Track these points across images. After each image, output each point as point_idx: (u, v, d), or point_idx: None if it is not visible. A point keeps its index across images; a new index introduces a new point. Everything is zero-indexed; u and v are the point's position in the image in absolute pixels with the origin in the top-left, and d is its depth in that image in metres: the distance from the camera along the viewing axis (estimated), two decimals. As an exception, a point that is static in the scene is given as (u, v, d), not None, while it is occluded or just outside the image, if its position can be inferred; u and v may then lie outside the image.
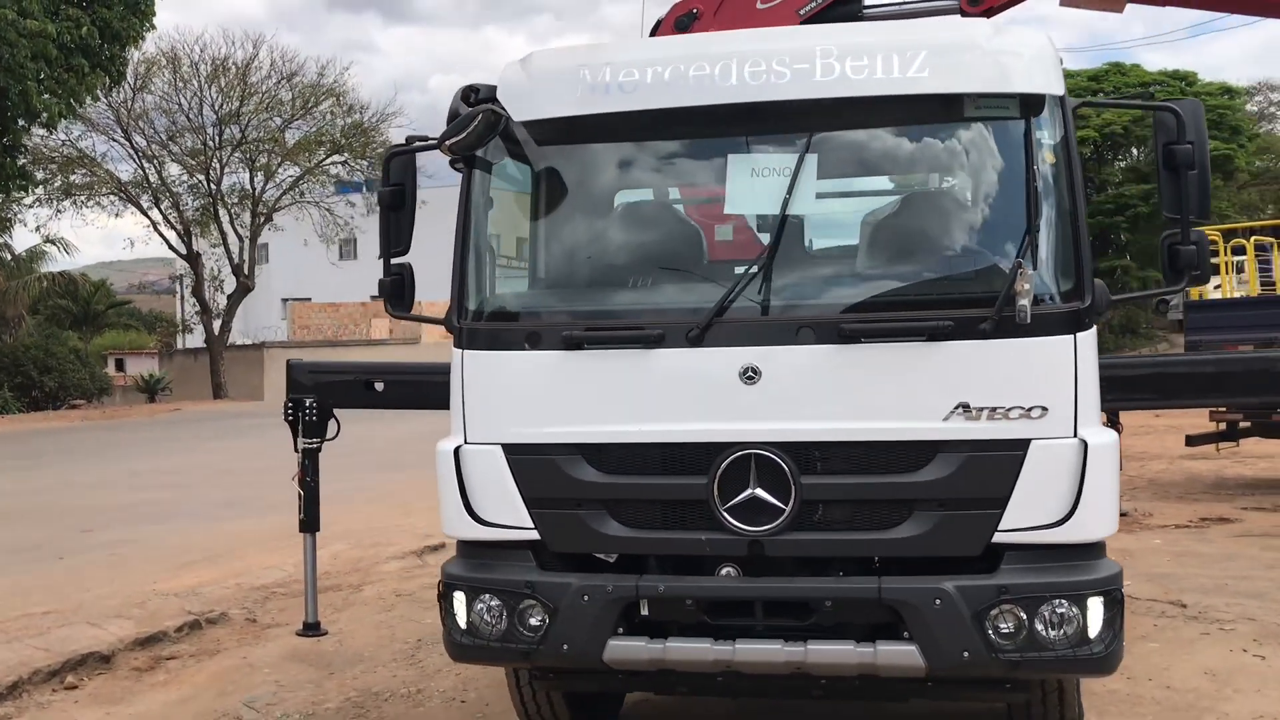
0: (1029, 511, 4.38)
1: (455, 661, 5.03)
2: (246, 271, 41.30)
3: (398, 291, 5.08)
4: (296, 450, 8.27)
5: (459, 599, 4.78)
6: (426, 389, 8.54)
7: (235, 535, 12.17)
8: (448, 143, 4.66)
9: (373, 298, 59.20)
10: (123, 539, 12.09)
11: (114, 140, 39.97)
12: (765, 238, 6.03)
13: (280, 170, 42.46)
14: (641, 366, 4.60)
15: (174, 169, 41.66)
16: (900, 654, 4.38)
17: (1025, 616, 4.33)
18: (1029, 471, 4.36)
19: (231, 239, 41.36)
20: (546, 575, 4.68)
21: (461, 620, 4.76)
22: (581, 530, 4.67)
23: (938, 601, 4.33)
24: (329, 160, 42.90)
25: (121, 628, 8.35)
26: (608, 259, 5.04)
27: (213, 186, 41.11)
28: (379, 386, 8.19)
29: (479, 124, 4.63)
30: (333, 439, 8.32)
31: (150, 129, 40.24)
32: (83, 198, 40.62)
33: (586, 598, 4.56)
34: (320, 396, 8.14)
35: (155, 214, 41.24)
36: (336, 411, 8.02)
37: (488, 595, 4.71)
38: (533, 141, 4.86)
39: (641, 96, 4.69)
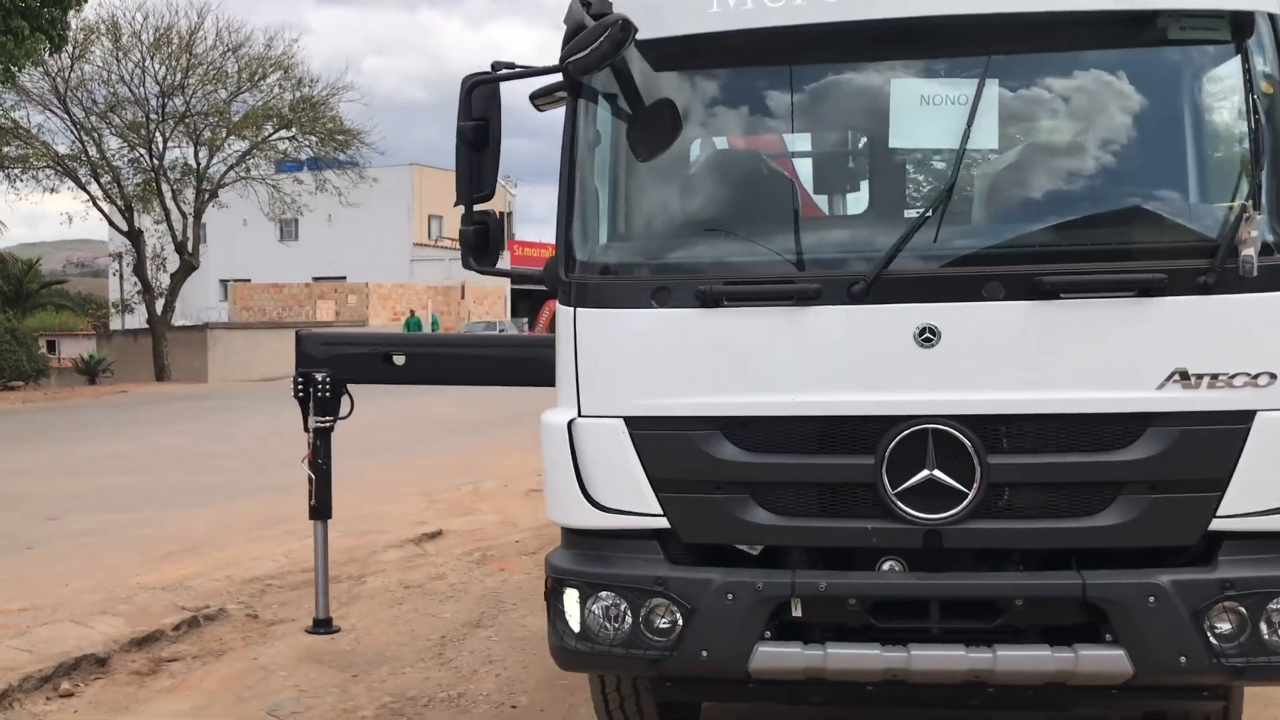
0: (1252, 494, 3.80)
1: (565, 670, 4.31)
2: (191, 249, 39.79)
3: (481, 243, 4.39)
4: (307, 429, 7.61)
5: (571, 597, 4.07)
6: (452, 362, 7.95)
7: (211, 523, 11.38)
8: (571, 59, 3.94)
9: (315, 279, 58.23)
10: (92, 528, 11.19)
11: (50, 111, 38.19)
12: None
13: (226, 145, 40.99)
14: (793, 327, 3.93)
15: (114, 142, 39.99)
16: (1106, 659, 3.76)
17: (1248, 615, 3.75)
18: (1254, 448, 3.78)
19: (175, 215, 39.78)
20: (680, 570, 3.99)
21: (574, 623, 4.06)
22: (721, 518, 3.99)
23: (1152, 599, 3.73)
24: (276, 135, 41.47)
25: (111, 626, 7.54)
26: (746, 202, 4.35)
27: (155, 161, 39.53)
28: (399, 360, 7.56)
29: (607, 39, 3.89)
30: (346, 417, 7.67)
31: (89, 100, 38.55)
32: (16, 170, 38.84)
33: (731, 596, 3.88)
34: (333, 370, 7.50)
35: (95, 188, 39.62)
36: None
37: (607, 593, 4.01)
38: (655, 64, 4.14)
39: (791, 11, 4.00)
